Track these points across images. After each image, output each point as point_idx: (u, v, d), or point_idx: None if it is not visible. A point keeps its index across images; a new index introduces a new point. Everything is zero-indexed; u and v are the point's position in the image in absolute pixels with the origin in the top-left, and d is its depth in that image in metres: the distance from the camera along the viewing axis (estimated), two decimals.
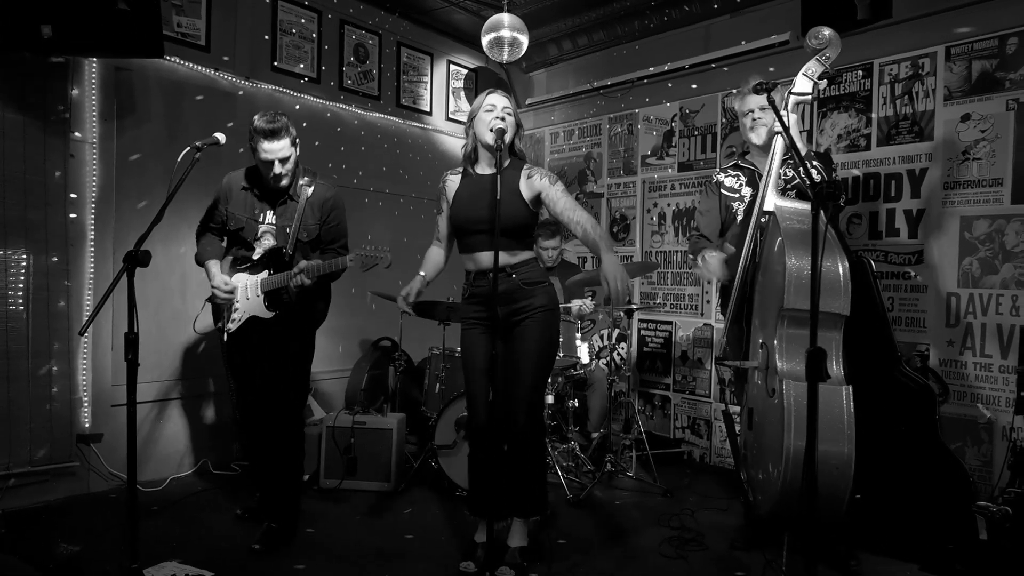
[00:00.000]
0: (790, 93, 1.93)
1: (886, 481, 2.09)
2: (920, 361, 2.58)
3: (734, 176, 2.23)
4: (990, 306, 2.47)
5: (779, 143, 1.90)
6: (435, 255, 2.05)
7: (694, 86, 3.37)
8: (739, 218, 2.16)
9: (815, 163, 1.98)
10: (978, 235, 2.50)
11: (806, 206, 1.82)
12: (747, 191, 2.17)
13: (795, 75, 1.95)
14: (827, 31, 1.91)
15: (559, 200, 1.88)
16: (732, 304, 2.11)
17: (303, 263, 1.98)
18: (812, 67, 1.91)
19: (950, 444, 2.35)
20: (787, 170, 2.05)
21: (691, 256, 2.32)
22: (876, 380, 2.26)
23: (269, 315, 2.05)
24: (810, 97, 1.95)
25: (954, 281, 2.55)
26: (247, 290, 2.10)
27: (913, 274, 2.65)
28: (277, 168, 2.00)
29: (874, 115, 2.77)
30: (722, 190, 2.23)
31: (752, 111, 2.14)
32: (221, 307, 2.15)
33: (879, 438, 2.10)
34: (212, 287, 2.10)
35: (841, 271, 1.73)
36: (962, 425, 2.51)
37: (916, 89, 2.66)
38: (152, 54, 2.36)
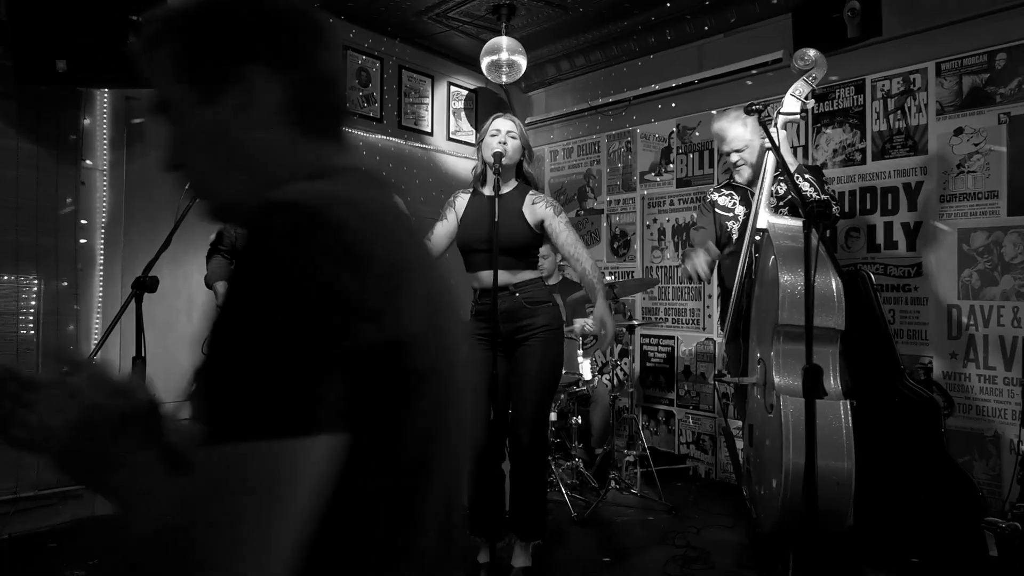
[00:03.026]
0: (779, 113, 1.97)
1: (893, 496, 2.08)
2: (924, 374, 2.57)
3: (727, 195, 2.26)
4: (991, 318, 2.47)
5: (770, 161, 1.94)
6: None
7: (684, 103, 3.42)
8: (734, 237, 2.19)
9: (807, 176, 2.01)
10: (976, 247, 2.51)
11: (799, 223, 1.85)
12: (740, 210, 2.20)
13: (785, 93, 1.99)
14: (812, 52, 1.96)
15: (561, 232, 1.94)
16: (729, 320, 2.13)
17: None
18: (799, 87, 1.96)
19: (957, 458, 2.33)
20: (778, 187, 2.08)
21: (681, 263, 2.35)
22: (879, 393, 2.26)
23: None
24: (798, 116, 1.99)
25: (954, 293, 2.55)
26: None
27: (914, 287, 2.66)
28: None
29: (868, 130, 2.81)
30: (716, 209, 2.27)
31: (730, 154, 2.18)
32: None
33: (884, 453, 2.09)
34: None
35: (835, 286, 1.75)
36: (969, 438, 2.49)
37: (908, 104, 2.70)
38: None
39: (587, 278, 1.93)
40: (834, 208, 2.00)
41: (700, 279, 2.13)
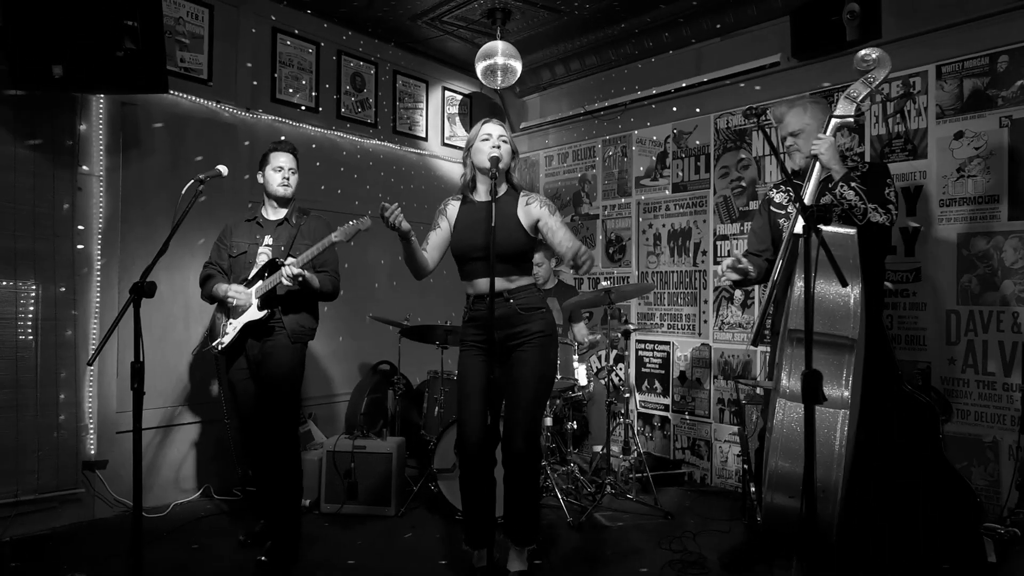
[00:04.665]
0: (832, 116, 1.87)
1: (891, 502, 2.06)
2: (921, 379, 2.56)
3: (784, 192, 2.18)
4: (991, 323, 2.45)
5: (817, 166, 1.86)
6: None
7: (681, 107, 3.39)
8: (785, 235, 2.10)
9: (853, 184, 1.86)
10: (976, 252, 2.49)
11: (830, 228, 1.77)
12: (793, 208, 2.12)
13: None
14: (874, 52, 1.85)
15: (557, 231, 1.91)
16: (756, 323, 2.09)
17: (292, 258, 2.11)
18: (857, 89, 1.86)
19: (956, 464, 2.32)
20: (825, 198, 1.95)
21: None
22: (877, 399, 2.24)
23: (260, 315, 2.13)
24: (852, 119, 1.88)
25: (953, 298, 2.53)
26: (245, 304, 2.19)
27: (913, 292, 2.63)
28: (285, 174, 2.26)
29: (867, 133, 2.78)
30: (771, 207, 2.19)
31: (785, 138, 2.10)
32: (216, 329, 2.24)
33: (882, 458, 2.08)
34: (229, 296, 2.16)
35: (852, 295, 1.69)
36: (967, 444, 2.47)
37: (908, 108, 2.68)
38: (157, 90, 2.43)
39: (567, 248, 1.85)
40: (880, 217, 1.85)
41: (732, 283, 2.12)
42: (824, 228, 1.81)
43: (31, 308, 2.46)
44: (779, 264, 1.98)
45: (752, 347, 2.14)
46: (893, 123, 2.71)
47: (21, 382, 2.41)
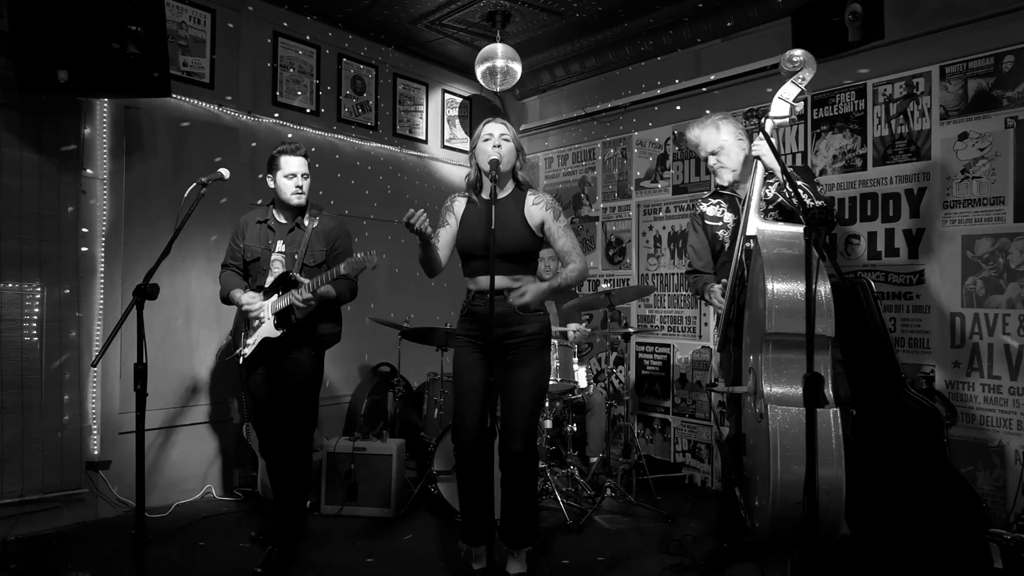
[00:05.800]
0: (767, 117, 1.92)
1: (894, 507, 2.04)
2: (926, 383, 2.53)
3: (715, 204, 2.21)
4: (996, 326, 2.41)
5: (759, 166, 1.91)
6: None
7: (681, 109, 3.39)
8: (727, 246, 2.16)
9: (799, 182, 1.93)
10: (981, 254, 2.46)
11: (788, 228, 1.82)
12: (729, 217, 2.16)
13: (774, 98, 1.94)
14: (800, 53, 1.91)
15: (560, 238, 1.94)
16: (720, 329, 2.10)
17: (304, 280, 2.08)
18: (788, 90, 1.91)
19: (960, 468, 2.29)
20: (767, 191, 2.03)
21: (696, 295, 2.31)
22: (880, 403, 2.22)
23: (277, 333, 2.12)
24: (787, 120, 1.94)
25: (958, 301, 2.50)
26: (261, 313, 2.18)
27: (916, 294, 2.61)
28: (298, 181, 2.16)
29: (869, 135, 2.76)
30: (705, 220, 2.22)
31: (707, 158, 2.16)
32: (239, 335, 2.24)
33: (885, 463, 2.06)
34: (243, 307, 2.16)
35: (823, 292, 1.71)
36: (972, 449, 2.44)
37: (911, 109, 2.65)
38: (160, 94, 2.45)
39: (563, 271, 1.95)
40: (818, 205, 1.92)
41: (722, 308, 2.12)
42: (770, 227, 1.82)
43: (36, 310, 2.49)
44: (733, 270, 1.98)
45: (719, 352, 2.14)
46: (896, 124, 2.69)
47: (26, 383, 2.44)
